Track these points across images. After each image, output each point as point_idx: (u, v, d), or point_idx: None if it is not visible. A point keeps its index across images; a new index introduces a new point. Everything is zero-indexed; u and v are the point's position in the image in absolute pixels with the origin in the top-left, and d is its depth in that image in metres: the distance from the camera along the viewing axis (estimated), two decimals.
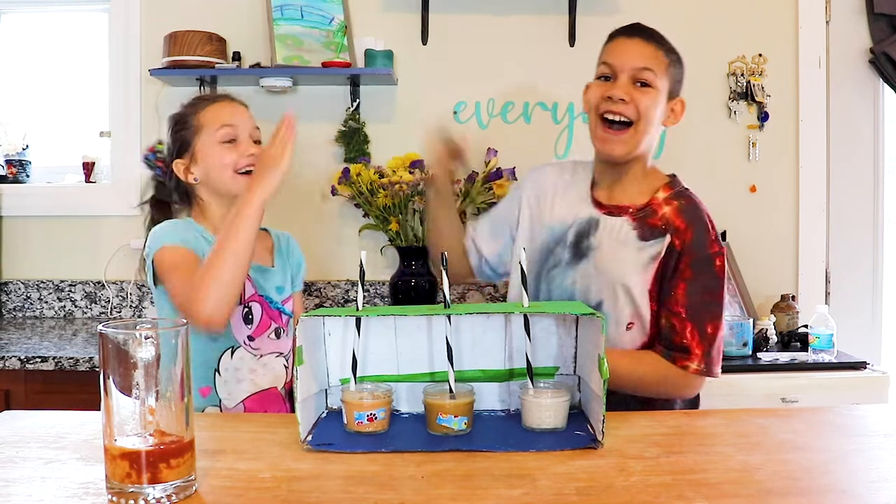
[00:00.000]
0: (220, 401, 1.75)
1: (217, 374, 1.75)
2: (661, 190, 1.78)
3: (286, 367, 1.84)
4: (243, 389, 1.77)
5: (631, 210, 1.76)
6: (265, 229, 1.94)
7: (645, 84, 1.71)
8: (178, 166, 1.83)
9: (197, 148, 1.81)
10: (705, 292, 1.69)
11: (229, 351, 1.77)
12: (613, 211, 1.78)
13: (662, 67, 1.72)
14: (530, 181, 1.94)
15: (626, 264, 1.72)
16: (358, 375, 1.33)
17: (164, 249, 1.70)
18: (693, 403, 1.81)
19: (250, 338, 1.79)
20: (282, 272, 1.90)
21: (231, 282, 1.59)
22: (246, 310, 1.78)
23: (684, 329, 1.66)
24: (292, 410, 1.31)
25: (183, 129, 1.83)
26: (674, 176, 1.83)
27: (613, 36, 1.79)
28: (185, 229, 1.78)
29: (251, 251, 1.63)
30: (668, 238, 1.70)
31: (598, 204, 1.81)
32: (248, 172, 1.77)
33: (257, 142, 1.84)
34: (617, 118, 1.71)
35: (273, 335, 1.82)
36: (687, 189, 1.80)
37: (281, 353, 1.84)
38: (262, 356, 1.80)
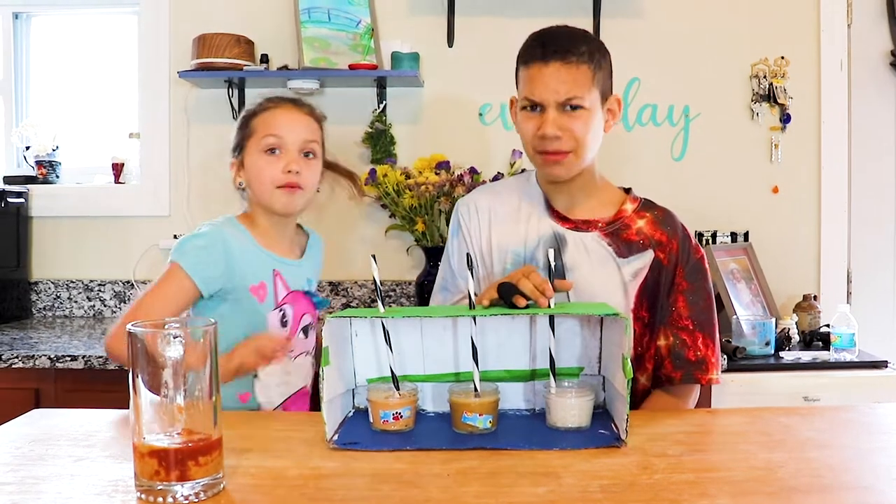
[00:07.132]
0: (259, 406, 1.71)
1: (256, 378, 1.70)
2: (627, 202, 1.68)
3: (312, 365, 1.80)
4: (280, 392, 1.73)
5: (600, 224, 1.64)
6: (300, 226, 1.90)
7: (575, 107, 1.57)
8: (232, 166, 1.77)
9: (245, 153, 1.73)
10: (706, 298, 1.63)
11: None
12: (581, 226, 1.65)
13: (588, 83, 1.56)
14: (463, 221, 1.77)
15: (608, 285, 1.61)
16: (384, 375, 1.35)
17: (174, 266, 1.62)
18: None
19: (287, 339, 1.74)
20: (308, 268, 1.84)
21: None
22: (281, 313, 1.73)
23: (696, 341, 1.58)
24: (316, 407, 1.31)
25: (241, 129, 1.75)
26: (629, 188, 1.74)
27: (528, 61, 1.61)
28: (225, 241, 1.67)
29: None
30: (650, 253, 1.62)
31: (560, 218, 1.68)
32: (287, 186, 1.68)
33: (309, 154, 1.72)
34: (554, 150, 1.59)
35: (302, 334, 1.77)
36: (648, 199, 1.72)
37: (308, 353, 1.80)
38: (295, 357, 1.76)
